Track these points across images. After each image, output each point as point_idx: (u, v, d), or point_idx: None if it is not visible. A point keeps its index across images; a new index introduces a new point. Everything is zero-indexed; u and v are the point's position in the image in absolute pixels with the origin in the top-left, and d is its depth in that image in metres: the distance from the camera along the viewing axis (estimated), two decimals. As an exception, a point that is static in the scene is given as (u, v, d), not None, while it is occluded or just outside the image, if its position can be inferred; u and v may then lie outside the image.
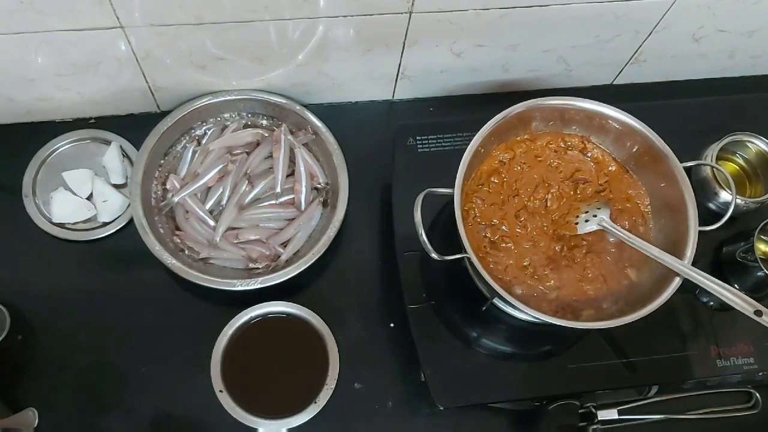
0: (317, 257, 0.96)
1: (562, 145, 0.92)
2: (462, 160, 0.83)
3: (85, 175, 1.03)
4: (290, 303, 0.96)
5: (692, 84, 1.20)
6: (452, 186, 0.81)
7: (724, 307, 0.84)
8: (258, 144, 1.05)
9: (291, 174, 1.04)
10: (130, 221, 1.00)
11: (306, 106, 1.06)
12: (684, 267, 0.79)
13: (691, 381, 0.94)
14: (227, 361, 0.92)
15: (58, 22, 0.85)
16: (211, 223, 1.00)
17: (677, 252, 0.81)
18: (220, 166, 1.02)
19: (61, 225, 1.01)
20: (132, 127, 1.06)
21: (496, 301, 0.86)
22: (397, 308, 0.97)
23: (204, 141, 1.05)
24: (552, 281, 0.86)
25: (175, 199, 1.00)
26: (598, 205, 0.87)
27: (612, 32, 1.02)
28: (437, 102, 1.15)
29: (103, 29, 0.87)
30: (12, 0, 0.80)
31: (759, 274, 0.90)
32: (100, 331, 0.97)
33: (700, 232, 0.82)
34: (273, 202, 1.02)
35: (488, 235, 0.88)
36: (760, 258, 0.89)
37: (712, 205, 0.97)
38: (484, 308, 0.88)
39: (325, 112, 1.06)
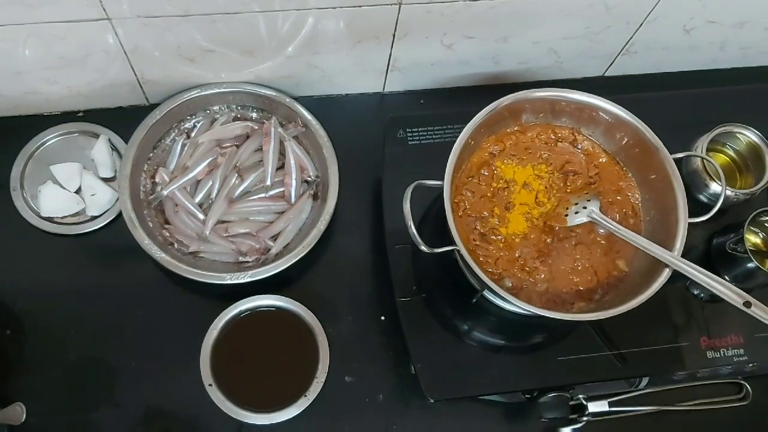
0: (307, 250, 0.96)
1: (552, 137, 0.92)
2: (451, 152, 0.82)
3: (74, 168, 1.03)
4: (280, 296, 0.95)
5: (683, 76, 1.20)
6: (442, 178, 0.81)
7: (715, 299, 0.84)
8: (248, 137, 1.04)
9: (281, 167, 1.03)
10: (119, 215, 0.99)
11: (296, 98, 1.05)
12: (673, 258, 0.79)
13: (682, 372, 0.94)
14: (217, 354, 0.92)
15: (45, 13, 0.85)
16: (201, 216, 1.00)
17: (667, 244, 0.81)
18: (210, 159, 1.01)
19: (49, 219, 1.00)
20: (121, 120, 1.06)
21: (486, 294, 0.86)
22: (387, 301, 0.97)
23: (193, 134, 1.05)
24: (542, 273, 0.86)
25: (165, 193, 1.00)
26: (588, 197, 0.87)
27: (603, 23, 1.02)
28: (428, 94, 1.15)
29: (90, 21, 0.86)
30: (-2, -8, 0.80)
31: (749, 265, 0.90)
32: (89, 326, 0.97)
33: (691, 224, 0.82)
34: (263, 195, 1.02)
35: (478, 227, 0.87)
36: (750, 249, 0.90)
37: (702, 197, 0.97)
38: (474, 300, 0.88)
39: (315, 104, 1.06)
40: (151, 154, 1.02)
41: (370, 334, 0.99)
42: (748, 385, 1.00)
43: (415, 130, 1.00)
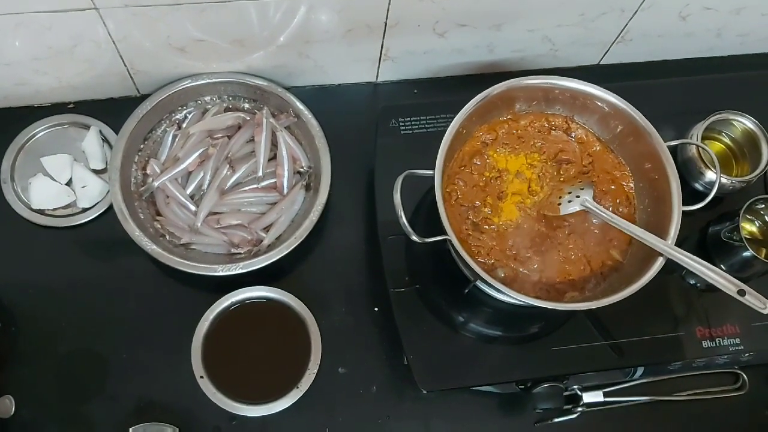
0: (299, 241, 0.95)
1: (546, 125, 0.91)
2: (443, 140, 0.81)
3: (64, 160, 1.02)
4: (271, 288, 0.95)
5: (680, 63, 1.18)
6: (434, 168, 0.80)
7: (710, 288, 0.83)
8: (239, 127, 1.03)
9: (273, 158, 1.02)
10: (110, 207, 0.98)
11: (288, 88, 1.04)
12: (666, 246, 0.78)
13: (677, 362, 0.94)
14: (208, 346, 0.91)
15: (31, 3, 0.84)
16: (192, 207, 0.99)
17: (661, 232, 0.81)
18: (201, 150, 1.01)
19: (40, 211, 1.00)
20: (112, 111, 1.05)
21: (479, 284, 0.85)
22: (381, 293, 0.96)
23: (184, 125, 1.04)
24: (535, 263, 0.85)
25: (156, 184, 0.99)
26: (582, 185, 0.86)
27: (597, 10, 1.01)
28: (422, 84, 1.14)
29: (77, 11, 0.86)
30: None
31: (745, 254, 0.89)
32: (81, 318, 0.96)
33: (686, 213, 0.81)
34: (255, 186, 1.01)
35: (470, 217, 0.87)
36: (745, 237, 0.89)
37: (698, 185, 0.97)
38: (466, 291, 0.87)
39: (307, 94, 1.05)
40: (142, 146, 1.02)
41: (363, 325, 0.98)
42: (744, 375, 0.99)
43: (408, 119, 0.99)
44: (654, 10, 1.02)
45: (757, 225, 0.97)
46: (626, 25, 1.06)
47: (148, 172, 1.00)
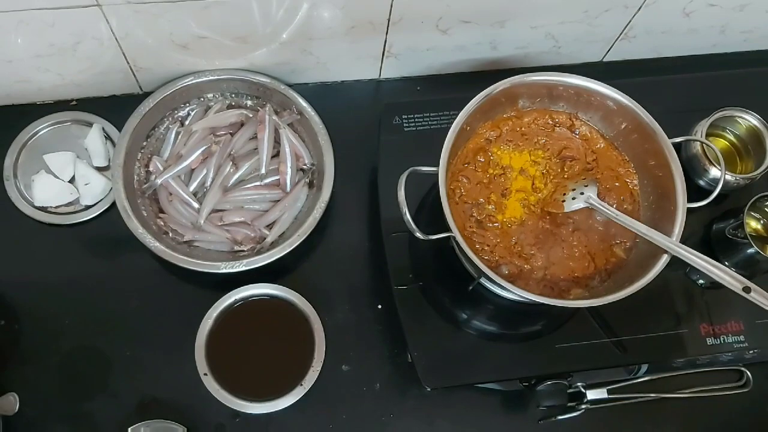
0: (303, 239, 0.95)
1: (550, 122, 0.91)
2: (446, 138, 0.81)
3: (67, 157, 1.02)
4: (275, 285, 0.95)
5: (683, 60, 1.18)
6: (438, 165, 0.80)
7: (715, 285, 0.83)
8: (242, 124, 1.03)
9: (276, 155, 1.02)
10: (113, 204, 0.98)
11: (291, 85, 1.04)
12: (671, 244, 0.78)
13: (681, 360, 0.94)
14: (212, 344, 0.91)
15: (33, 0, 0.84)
16: (195, 205, 0.99)
17: (666, 229, 0.81)
18: (204, 148, 1.00)
19: (43, 209, 1.00)
20: (114, 108, 1.05)
21: (483, 281, 0.85)
22: (384, 290, 0.97)
23: (187, 122, 1.04)
24: (539, 260, 0.85)
25: (158, 181, 0.99)
26: (586, 182, 0.86)
27: (601, 7, 1.01)
28: (425, 80, 1.13)
29: (80, 7, 0.85)
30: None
31: (749, 250, 0.89)
32: (84, 315, 0.96)
33: (690, 210, 0.81)
34: (258, 183, 1.01)
35: (474, 214, 0.86)
36: (750, 234, 0.89)
37: (702, 182, 0.96)
38: (470, 288, 0.87)
39: (310, 91, 1.05)
40: (144, 143, 1.02)
41: (367, 322, 0.98)
42: (748, 372, 0.99)
43: (411, 116, 0.99)
44: (657, 7, 1.02)
45: (762, 222, 0.96)
46: (630, 21, 1.05)
47: (151, 169, 1.00)
